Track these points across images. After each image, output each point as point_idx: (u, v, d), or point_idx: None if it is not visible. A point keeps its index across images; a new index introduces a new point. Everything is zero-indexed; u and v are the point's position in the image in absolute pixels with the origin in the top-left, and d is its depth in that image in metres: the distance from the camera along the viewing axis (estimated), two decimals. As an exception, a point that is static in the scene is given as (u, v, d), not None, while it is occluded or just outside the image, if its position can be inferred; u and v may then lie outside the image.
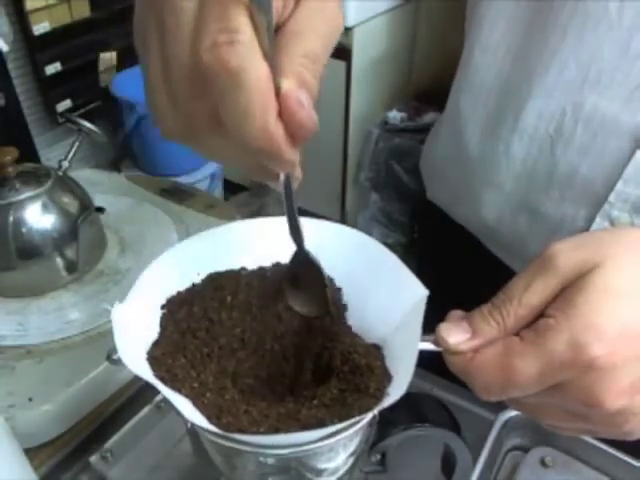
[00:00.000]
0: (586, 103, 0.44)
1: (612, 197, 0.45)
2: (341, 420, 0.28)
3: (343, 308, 0.36)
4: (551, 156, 0.47)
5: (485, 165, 0.53)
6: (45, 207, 0.61)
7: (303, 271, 0.34)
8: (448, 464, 0.40)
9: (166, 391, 0.29)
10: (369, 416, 0.29)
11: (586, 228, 0.47)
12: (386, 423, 0.35)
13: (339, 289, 0.37)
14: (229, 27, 0.23)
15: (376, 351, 0.33)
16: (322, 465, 0.32)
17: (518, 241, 0.53)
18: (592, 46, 0.42)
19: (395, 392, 0.29)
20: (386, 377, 0.31)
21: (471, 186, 0.55)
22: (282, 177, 0.28)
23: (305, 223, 0.37)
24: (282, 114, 0.24)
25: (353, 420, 0.28)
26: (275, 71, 0.24)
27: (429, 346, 0.31)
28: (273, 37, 0.24)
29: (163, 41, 0.25)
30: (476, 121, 0.53)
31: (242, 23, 0.23)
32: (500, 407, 0.50)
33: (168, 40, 0.25)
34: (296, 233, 0.32)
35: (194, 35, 0.24)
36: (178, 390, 0.30)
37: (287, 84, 0.24)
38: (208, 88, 0.24)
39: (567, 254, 0.29)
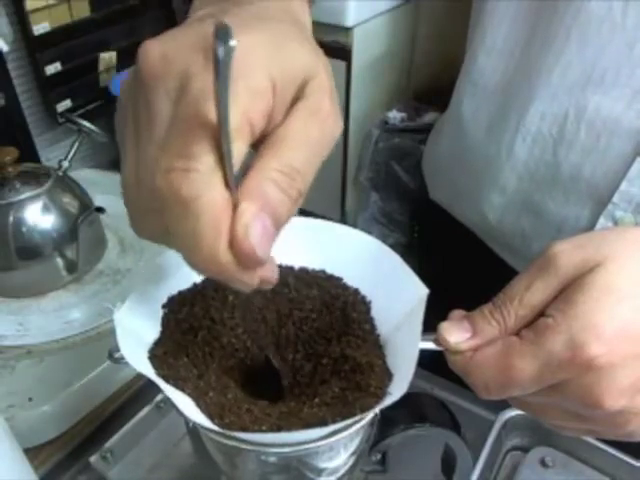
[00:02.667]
0: (589, 105, 0.44)
1: (616, 197, 0.45)
2: (342, 419, 0.28)
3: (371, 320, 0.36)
4: (553, 158, 0.47)
5: (488, 166, 0.53)
6: (45, 207, 0.61)
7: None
8: (448, 464, 0.40)
9: (168, 390, 0.29)
10: (370, 415, 0.29)
11: (590, 228, 0.47)
12: (386, 423, 0.35)
13: (366, 299, 0.37)
14: (188, 153, 0.22)
15: (377, 350, 0.33)
16: (323, 464, 0.32)
17: (521, 241, 0.53)
18: (596, 47, 0.42)
19: (396, 391, 0.29)
20: (387, 376, 0.31)
21: (474, 186, 0.55)
22: None
23: (305, 223, 0.38)
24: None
25: (354, 418, 0.28)
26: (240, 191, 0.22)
27: (430, 345, 0.31)
28: (230, 159, 0.22)
29: (137, 141, 0.24)
30: (479, 122, 0.53)
31: (203, 149, 0.22)
32: (500, 407, 0.50)
33: (141, 142, 0.24)
34: None
35: (160, 148, 0.23)
36: (181, 389, 0.30)
37: (242, 207, 0.22)
38: (163, 208, 0.23)
39: (568, 254, 0.29)
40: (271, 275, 0.25)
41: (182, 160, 0.22)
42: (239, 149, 0.22)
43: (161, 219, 0.23)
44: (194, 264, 0.23)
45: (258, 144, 0.24)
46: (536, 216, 0.51)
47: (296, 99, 0.25)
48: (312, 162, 0.24)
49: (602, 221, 0.46)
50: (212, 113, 0.22)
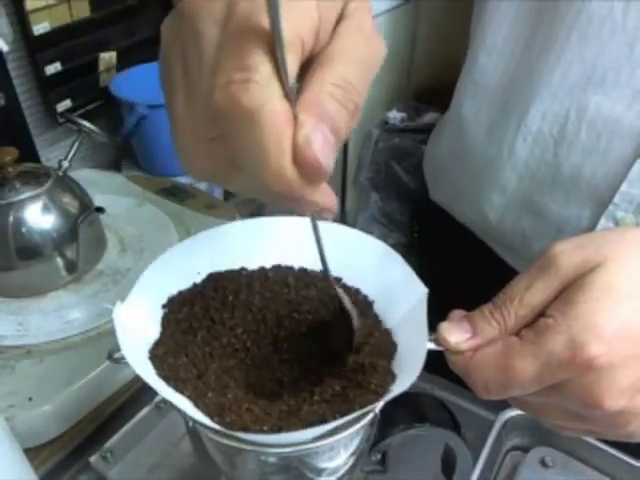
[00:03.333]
0: (590, 105, 0.44)
1: (617, 198, 0.45)
2: (342, 415, 0.28)
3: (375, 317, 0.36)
4: (554, 158, 0.47)
5: (488, 166, 0.53)
6: (45, 207, 0.61)
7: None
8: (448, 464, 0.40)
9: (166, 392, 0.29)
10: (371, 413, 0.29)
11: (591, 229, 0.47)
12: (386, 423, 0.35)
13: (370, 300, 0.37)
14: (245, 65, 0.22)
15: (380, 350, 0.33)
16: (323, 464, 0.32)
17: (522, 241, 0.53)
18: (597, 47, 0.42)
19: (398, 387, 0.29)
20: (390, 376, 0.31)
21: (474, 187, 0.55)
22: (311, 217, 0.27)
23: (307, 223, 0.38)
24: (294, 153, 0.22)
25: (355, 415, 0.28)
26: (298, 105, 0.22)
27: (430, 345, 0.31)
28: (286, 71, 0.22)
29: (187, 75, 0.24)
30: (480, 122, 0.53)
31: (259, 60, 0.22)
32: (500, 407, 0.50)
33: (191, 74, 0.24)
34: (324, 265, 0.31)
35: (213, 70, 0.23)
36: (181, 390, 0.30)
37: (301, 118, 0.22)
38: (225, 128, 0.23)
39: (569, 254, 0.29)
40: (331, 201, 0.25)
41: (240, 72, 0.22)
42: (292, 63, 0.22)
43: (219, 148, 0.23)
44: (262, 183, 0.23)
45: (306, 68, 0.24)
46: (536, 216, 0.51)
47: (339, 21, 0.25)
48: (363, 78, 0.24)
49: (603, 222, 0.46)
50: (265, 24, 0.22)
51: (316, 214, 0.25)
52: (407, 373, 0.30)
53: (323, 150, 0.22)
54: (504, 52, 0.49)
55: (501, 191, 0.53)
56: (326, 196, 0.24)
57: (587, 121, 0.45)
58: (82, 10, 1.18)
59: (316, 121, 0.22)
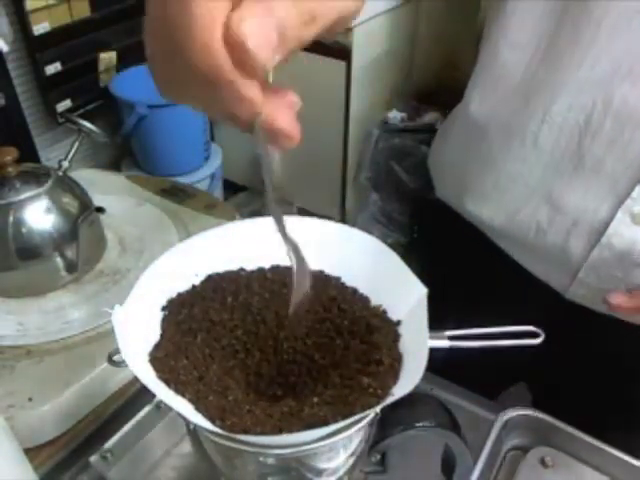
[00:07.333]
0: (616, 96, 0.44)
1: (635, 193, 0.45)
2: (343, 418, 0.28)
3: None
4: (578, 148, 0.48)
5: (509, 158, 0.53)
6: (45, 207, 0.61)
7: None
8: (448, 464, 0.40)
9: (166, 397, 0.29)
10: (371, 414, 0.29)
11: (607, 222, 0.48)
12: (386, 423, 0.35)
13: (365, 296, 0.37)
14: None
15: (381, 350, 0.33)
16: (322, 465, 0.32)
17: (536, 235, 0.53)
18: (625, 41, 0.43)
19: (400, 390, 0.29)
20: (391, 377, 0.31)
21: (491, 181, 0.55)
22: (256, 127, 0.24)
23: (306, 222, 0.38)
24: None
25: (356, 417, 0.28)
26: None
27: (432, 342, 0.31)
28: None
29: None
30: (500, 116, 0.53)
31: None
32: (500, 407, 0.50)
33: None
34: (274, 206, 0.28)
35: None
36: (182, 393, 0.29)
37: (244, 3, 0.21)
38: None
39: None
40: (289, 127, 0.23)
41: None
42: None
43: (162, 41, 0.22)
44: (189, 55, 0.21)
45: None
46: (554, 208, 0.51)
47: None
48: (330, 3, 0.22)
49: (619, 216, 0.47)
50: None
51: (273, 139, 0.23)
52: (409, 375, 0.30)
53: (256, 38, 0.20)
54: (528, 47, 0.49)
55: (523, 183, 0.52)
56: (285, 119, 0.23)
57: (613, 112, 0.45)
58: (82, 10, 1.18)
59: (260, 11, 0.21)
